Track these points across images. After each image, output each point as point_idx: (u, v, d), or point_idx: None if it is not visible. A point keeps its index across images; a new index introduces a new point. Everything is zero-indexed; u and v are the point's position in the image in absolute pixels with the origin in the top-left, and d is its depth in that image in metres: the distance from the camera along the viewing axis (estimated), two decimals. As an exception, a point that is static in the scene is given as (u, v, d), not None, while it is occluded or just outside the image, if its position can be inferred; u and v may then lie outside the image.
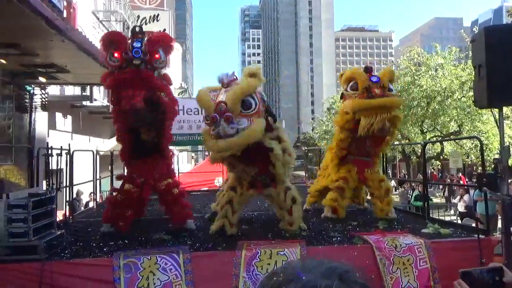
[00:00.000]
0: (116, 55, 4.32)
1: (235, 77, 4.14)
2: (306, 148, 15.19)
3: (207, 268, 3.58)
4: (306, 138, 50.56)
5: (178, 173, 9.08)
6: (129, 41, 4.41)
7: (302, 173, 11.17)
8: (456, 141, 20.43)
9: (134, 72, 4.23)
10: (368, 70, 5.25)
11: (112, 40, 4.47)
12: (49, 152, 5.35)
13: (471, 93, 17.24)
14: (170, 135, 4.98)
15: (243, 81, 4.08)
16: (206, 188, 10.25)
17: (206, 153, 20.24)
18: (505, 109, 6.20)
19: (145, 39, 4.47)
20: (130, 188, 4.69)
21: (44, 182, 6.08)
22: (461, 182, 20.78)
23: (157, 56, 4.43)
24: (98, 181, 8.03)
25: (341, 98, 5.59)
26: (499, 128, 4.92)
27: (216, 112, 3.79)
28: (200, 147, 20.14)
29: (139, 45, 4.31)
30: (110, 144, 12.51)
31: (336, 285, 0.68)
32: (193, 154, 32.34)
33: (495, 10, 79.52)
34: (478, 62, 4.09)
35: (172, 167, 5.29)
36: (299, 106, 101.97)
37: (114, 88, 4.38)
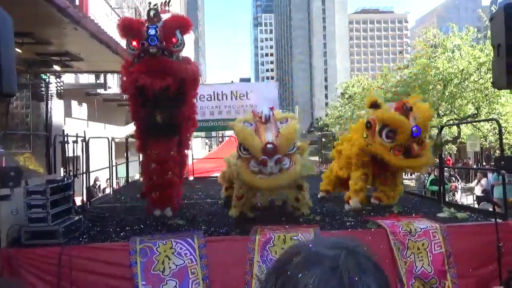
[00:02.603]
0: (134, 43, 4.32)
1: (272, 113, 4.21)
2: (319, 133, 15.08)
3: (221, 253, 3.63)
4: (319, 123, 50.20)
5: (192, 159, 9.15)
6: (145, 27, 4.32)
7: (316, 158, 11.11)
8: (474, 124, 20.02)
9: (151, 61, 4.19)
10: (407, 110, 4.50)
11: (129, 27, 4.42)
12: (66, 139, 5.43)
13: (489, 75, 16.76)
14: (187, 116, 4.94)
15: (292, 125, 4.12)
16: (221, 174, 10.28)
17: (220, 139, 20.37)
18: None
19: (160, 23, 4.34)
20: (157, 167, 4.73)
21: (62, 169, 6.21)
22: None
23: (174, 40, 4.35)
24: (114, 168, 8.18)
25: (367, 128, 4.70)
26: (519, 110, 4.77)
27: (265, 153, 3.86)
28: (213, 133, 20.22)
29: (154, 33, 4.21)
30: (125, 131, 12.66)
31: (344, 254, 0.70)
32: (206, 140, 32.49)
33: (516, -13, 76.43)
34: (497, 42, 3.95)
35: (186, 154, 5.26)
36: (312, 91, 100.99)
37: (133, 79, 4.34)
